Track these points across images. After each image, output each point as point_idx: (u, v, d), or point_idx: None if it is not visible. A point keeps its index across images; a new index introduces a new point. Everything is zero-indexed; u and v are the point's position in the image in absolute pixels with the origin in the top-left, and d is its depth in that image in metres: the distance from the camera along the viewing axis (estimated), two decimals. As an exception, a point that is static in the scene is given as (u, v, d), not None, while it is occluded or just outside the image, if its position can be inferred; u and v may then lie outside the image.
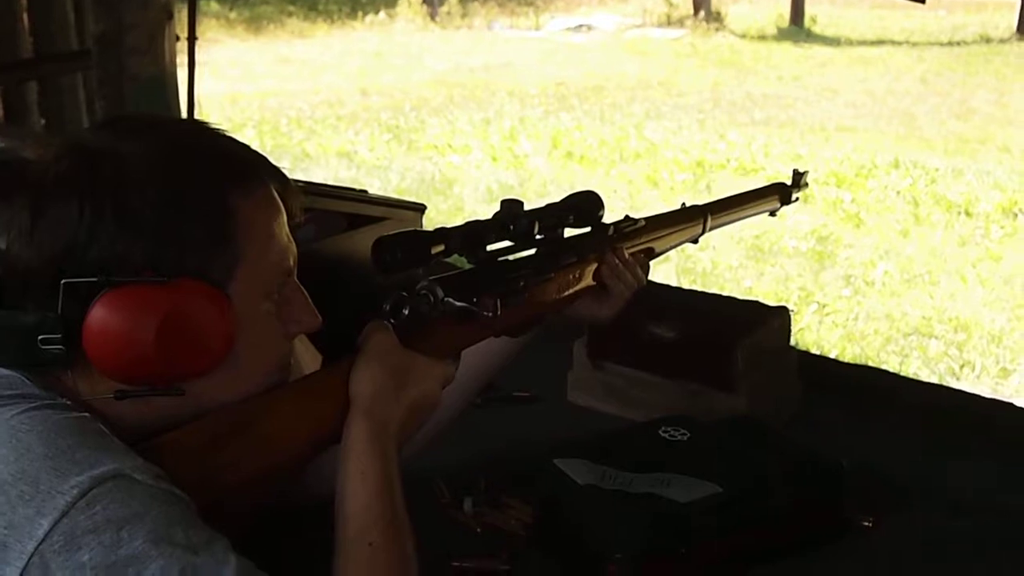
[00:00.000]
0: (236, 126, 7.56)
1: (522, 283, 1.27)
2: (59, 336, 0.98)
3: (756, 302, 1.89)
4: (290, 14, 16.11)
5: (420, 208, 2.08)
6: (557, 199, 1.35)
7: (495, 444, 1.70)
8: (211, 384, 1.04)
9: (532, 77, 11.04)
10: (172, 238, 0.99)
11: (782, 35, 15.71)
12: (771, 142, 8.42)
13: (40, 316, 0.98)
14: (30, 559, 0.89)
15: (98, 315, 0.97)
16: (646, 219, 1.47)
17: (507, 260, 1.27)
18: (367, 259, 1.97)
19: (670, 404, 1.67)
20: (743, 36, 15.58)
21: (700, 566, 1.35)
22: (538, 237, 1.29)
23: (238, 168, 1.05)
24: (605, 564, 1.32)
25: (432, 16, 17.27)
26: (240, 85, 10.37)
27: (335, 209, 1.95)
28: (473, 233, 1.23)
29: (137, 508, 0.92)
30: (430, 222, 2.10)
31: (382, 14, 16.54)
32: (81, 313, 0.97)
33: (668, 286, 1.91)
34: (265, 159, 1.09)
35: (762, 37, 15.56)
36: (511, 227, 1.25)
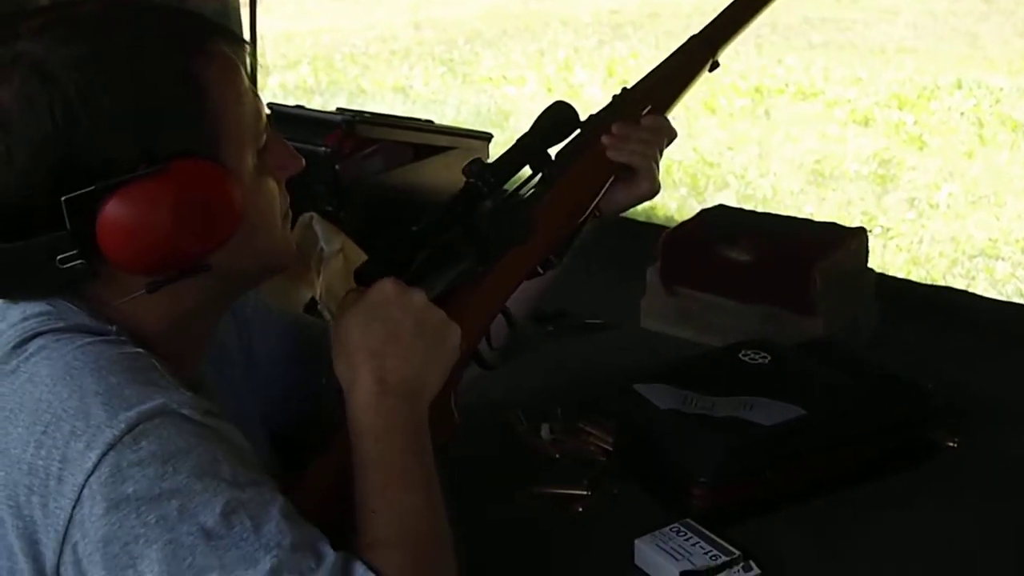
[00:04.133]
0: (291, 63, 7.54)
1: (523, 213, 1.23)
2: (76, 252, 0.97)
3: (833, 223, 1.86)
4: (340, -50, 16.02)
5: (487, 137, 2.07)
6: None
7: (570, 371, 1.69)
8: (231, 253, 1.04)
9: (586, 6, 10.90)
10: (151, 125, 0.99)
11: (838, -44, 15.37)
12: (830, 65, 8.26)
13: (51, 238, 0.97)
14: (81, 491, 0.90)
15: (109, 219, 0.97)
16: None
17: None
18: (434, 189, 1.97)
19: (746, 328, 1.65)
20: (798, -42, 15.25)
21: (784, 490, 1.34)
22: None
23: (190, 36, 1.04)
24: (689, 488, 1.32)
25: (482, -53, 17.09)
26: (294, 23, 10.33)
27: (401, 140, 1.94)
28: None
29: (183, 444, 0.92)
30: (494, 152, 2.09)
31: (432, -53, 16.39)
32: (91, 224, 0.97)
33: (741, 209, 1.89)
34: (207, 19, 1.08)
35: (818, -41, 15.22)
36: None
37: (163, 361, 1.01)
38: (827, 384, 1.41)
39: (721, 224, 1.80)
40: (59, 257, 0.98)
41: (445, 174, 2.00)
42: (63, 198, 0.96)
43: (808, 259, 1.68)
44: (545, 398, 1.58)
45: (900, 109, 6.92)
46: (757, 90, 7.49)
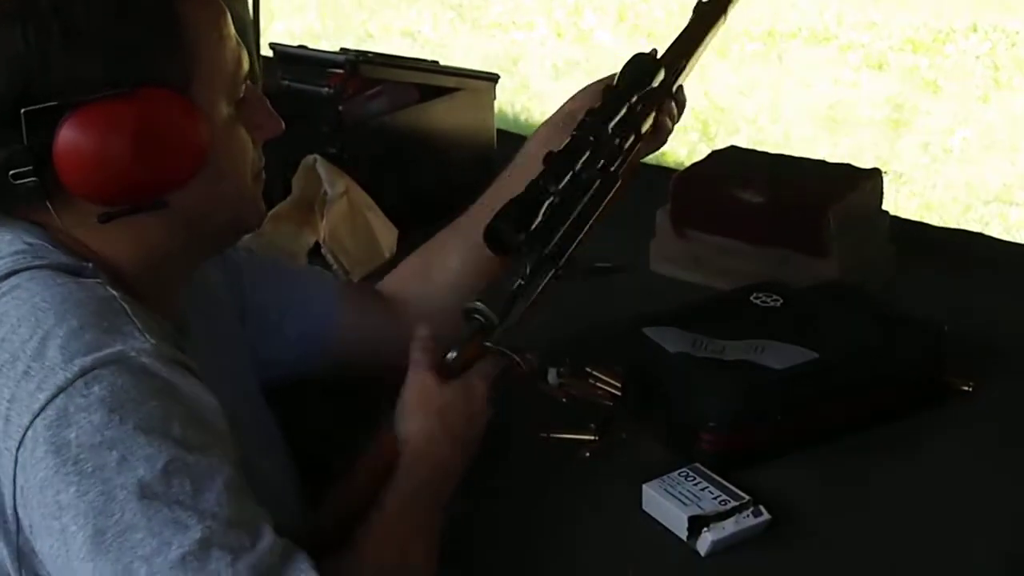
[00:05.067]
0: (296, 8, 7.46)
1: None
2: (29, 168, 0.96)
3: (847, 165, 1.82)
4: None
5: (494, 78, 2.03)
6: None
7: (578, 316, 1.66)
8: (193, 196, 1.03)
9: (595, -51, 10.78)
10: (124, 49, 0.97)
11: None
12: (844, 10, 8.15)
13: (6, 152, 0.96)
14: (25, 432, 0.87)
15: (67, 138, 0.95)
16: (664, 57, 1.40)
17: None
18: (440, 130, 1.94)
19: (758, 272, 1.61)
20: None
21: (795, 435, 1.32)
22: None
23: None
24: (698, 433, 1.29)
25: None
26: (300, -33, 10.25)
27: (407, 80, 1.90)
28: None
29: (134, 394, 0.89)
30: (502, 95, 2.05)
31: None
32: (48, 140, 0.95)
33: (753, 150, 1.84)
34: None
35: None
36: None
37: (138, 303, 0.98)
38: (840, 327, 1.38)
39: (733, 165, 1.76)
40: (12, 172, 0.96)
41: (451, 115, 1.96)
42: (23, 110, 0.94)
43: (822, 200, 1.64)
44: (552, 342, 1.55)
45: (915, 53, 6.84)
46: (769, 34, 7.41)
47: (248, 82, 1.10)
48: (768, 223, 1.67)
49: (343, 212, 1.73)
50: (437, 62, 2.05)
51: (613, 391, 1.45)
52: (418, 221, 1.79)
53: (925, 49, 6.92)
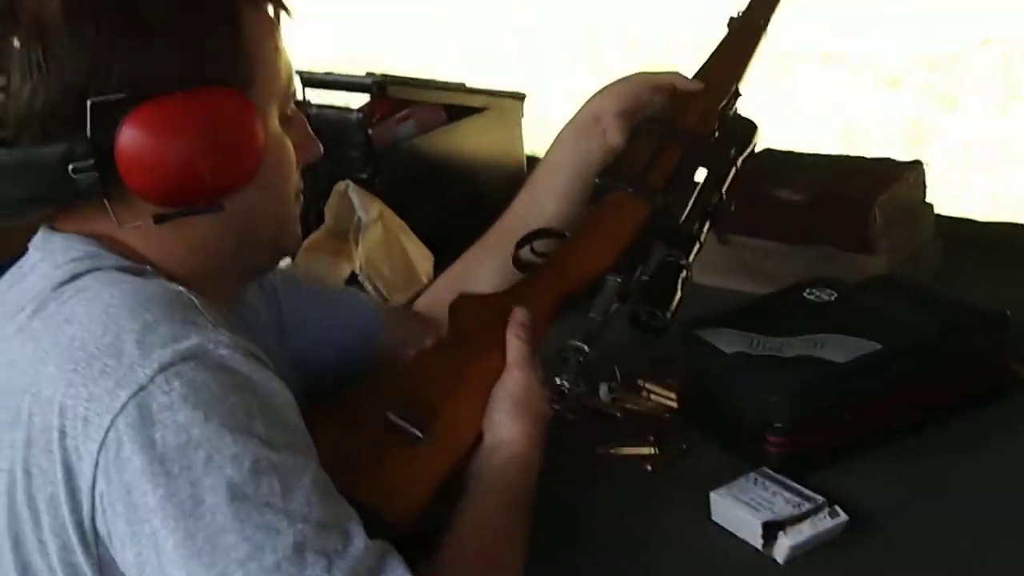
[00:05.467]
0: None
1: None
2: (91, 162, 0.94)
3: (887, 159, 1.77)
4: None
5: (520, 97, 2.00)
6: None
7: (623, 331, 1.62)
8: (245, 202, 1.01)
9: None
10: (192, 46, 0.96)
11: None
12: (854, 29, 8.15)
13: (68, 144, 0.94)
14: (107, 433, 0.84)
15: (131, 132, 0.93)
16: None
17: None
18: (469, 150, 1.92)
19: (803, 273, 1.56)
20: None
21: (864, 430, 1.27)
22: None
23: None
24: (763, 435, 1.25)
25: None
26: None
27: (434, 100, 1.88)
28: None
29: (217, 391, 0.86)
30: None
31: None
32: (112, 134, 0.93)
33: (790, 152, 1.80)
34: None
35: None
36: None
37: (203, 300, 0.96)
38: (900, 316, 1.33)
39: (771, 166, 1.73)
40: (73, 165, 0.94)
41: (480, 135, 1.94)
42: (89, 100, 0.92)
43: (866, 194, 1.60)
44: (600, 357, 1.51)
45: (929, 70, 6.81)
46: (782, 55, 7.39)
47: (294, 98, 1.10)
48: (811, 221, 1.64)
49: (378, 238, 1.70)
50: (463, 83, 2.02)
51: (668, 402, 1.41)
52: (451, 244, 1.76)
53: (939, 65, 6.89)
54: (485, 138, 1.95)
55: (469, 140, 1.92)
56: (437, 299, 1.42)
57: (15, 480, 0.89)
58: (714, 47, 1.42)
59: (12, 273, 1.05)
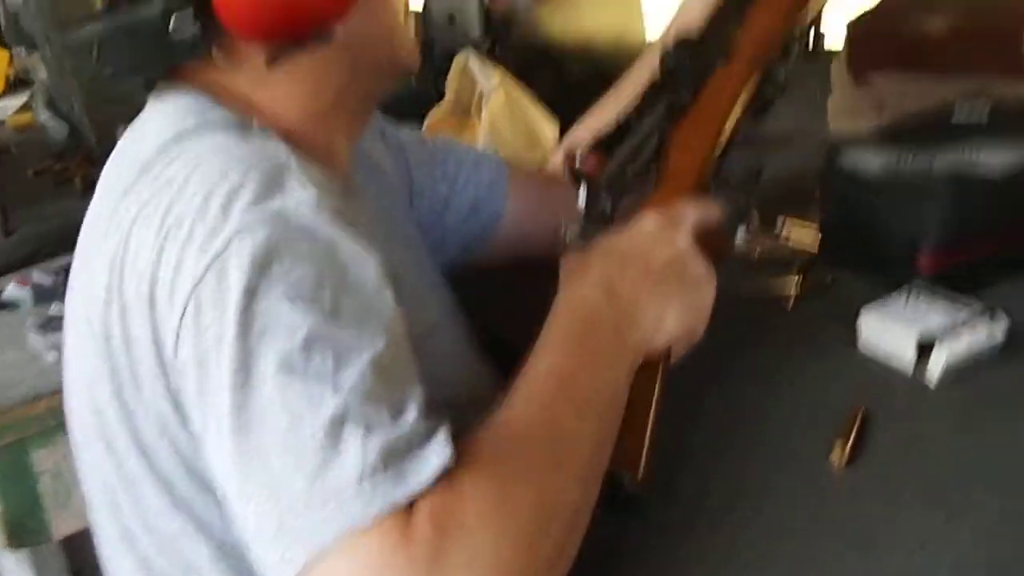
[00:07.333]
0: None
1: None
2: (190, 11, 0.90)
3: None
4: None
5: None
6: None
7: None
8: (355, 26, 0.95)
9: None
10: None
11: None
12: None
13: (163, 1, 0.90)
14: (187, 303, 0.80)
15: None
16: None
17: None
18: (587, 22, 1.86)
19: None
20: None
21: (1021, 244, 1.19)
22: None
23: None
24: (915, 253, 1.18)
25: None
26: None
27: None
28: None
29: (288, 257, 0.80)
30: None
31: None
32: None
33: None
34: None
35: None
36: None
37: (306, 155, 0.91)
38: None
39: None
40: (173, 19, 0.91)
41: (596, 8, 1.88)
42: None
43: (1015, 18, 1.49)
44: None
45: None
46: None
47: None
48: (960, 50, 1.53)
49: (501, 103, 1.66)
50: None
51: (808, 236, 1.34)
52: (574, 115, 1.71)
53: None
54: (604, 8, 1.89)
55: (588, 10, 1.86)
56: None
57: (116, 351, 0.88)
58: None
59: (132, 128, 1.03)
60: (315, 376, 0.76)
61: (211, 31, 0.92)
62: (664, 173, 1.05)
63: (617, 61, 1.89)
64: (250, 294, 0.78)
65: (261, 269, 0.79)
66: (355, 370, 0.77)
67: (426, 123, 1.74)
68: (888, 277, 1.20)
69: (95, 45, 0.96)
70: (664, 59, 1.11)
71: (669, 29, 1.30)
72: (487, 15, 1.73)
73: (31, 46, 2.07)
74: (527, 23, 1.78)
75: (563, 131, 1.70)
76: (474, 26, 1.72)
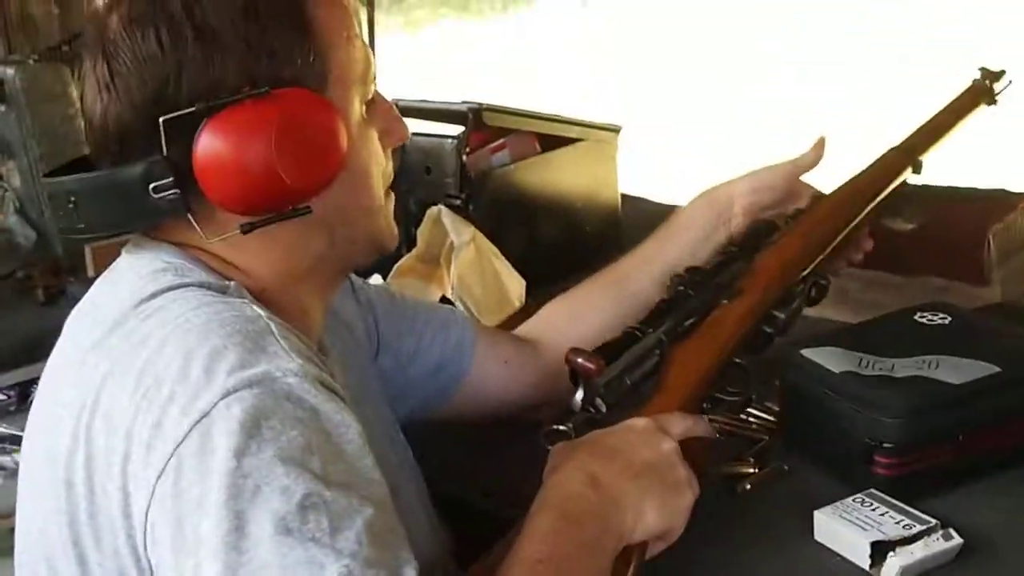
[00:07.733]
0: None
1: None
2: (170, 180, 0.92)
3: (1000, 189, 1.71)
4: None
5: (616, 129, 1.98)
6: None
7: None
8: (333, 200, 0.98)
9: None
10: (259, 49, 0.93)
11: None
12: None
13: (146, 165, 0.92)
14: (168, 461, 0.81)
15: (207, 144, 0.91)
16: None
17: None
18: (563, 181, 1.90)
19: (912, 303, 1.51)
20: None
21: (979, 455, 1.21)
22: None
23: None
24: (871, 456, 1.19)
25: None
26: None
27: (529, 129, 1.87)
28: None
29: (276, 421, 0.81)
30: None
31: None
32: (188, 149, 0.91)
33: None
34: None
35: None
36: None
37: (283, 321, 0.92)
38: (1018, 340, 1.27)
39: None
40: (153, 185, 0.92)
41: (574, 167, 1.93)
42: (161, 118, 0.91)
43: (979, 223, 1.55)
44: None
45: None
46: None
47: (375, 85, 1.07)
48: (921, 252, 1.58)
49: (471, 259, 1.68)
50: (558, 114, 2.01)
51: (768, 423, 1.35)
52: (543, 274, 1.74)
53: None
54: (580, 170, 1.93)
55: (564, 171, 1.90)
56: (543, 325, 1.41)
57: (77, 497, 0.88)
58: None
59: (104, 279, 1.04)
60: (313, 539, 0.77)
61: (190, 196, 0.94)
62: (661, 385, 1.13)
63: (589, 220, 1.94)
64: (240, 455, 0.79)
65: (251, 432, 0.80)
66: (352, 534, 0.78)
67: (395, 268, 1.75)
68: (844, 475, 1.21)
69: (72, 199, 0.97)
70: (674, 281, 1.24)
71: (740, 182, 1.41)
72: (463, 170, 1.76)
73: (8, 154, 2.07)
74: (503, 181, 1.81)
75: (530, 290, 1.73)
76: (450, 180, 1.75)
